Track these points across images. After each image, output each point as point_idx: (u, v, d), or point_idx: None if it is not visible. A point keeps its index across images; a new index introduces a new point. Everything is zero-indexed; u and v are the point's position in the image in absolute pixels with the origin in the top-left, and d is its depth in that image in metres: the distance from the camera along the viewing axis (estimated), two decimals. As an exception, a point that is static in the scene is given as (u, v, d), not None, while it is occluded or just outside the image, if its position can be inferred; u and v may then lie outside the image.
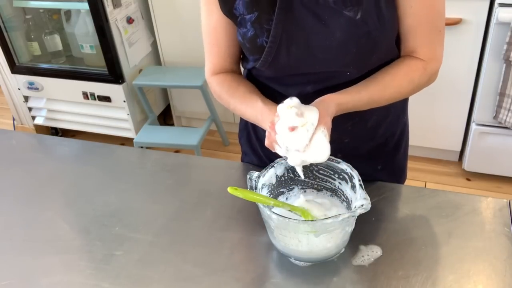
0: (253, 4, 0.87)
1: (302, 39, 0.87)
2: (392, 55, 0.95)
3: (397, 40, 0.94)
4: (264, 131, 1.03)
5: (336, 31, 0.85)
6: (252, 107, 0.94)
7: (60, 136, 3.01)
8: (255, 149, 1.15)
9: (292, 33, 0.86)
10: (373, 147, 1.06)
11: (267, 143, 0.85)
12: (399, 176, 1.16)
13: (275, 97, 0.95)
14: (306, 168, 0.95)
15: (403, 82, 0.92)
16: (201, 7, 0.96)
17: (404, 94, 0.94)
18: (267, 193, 0.94)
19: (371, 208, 0.79)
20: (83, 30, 2.52)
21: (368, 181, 1.02)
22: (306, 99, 0.96)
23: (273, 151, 0.85)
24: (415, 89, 0.95)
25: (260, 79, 1.00)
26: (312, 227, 0.81)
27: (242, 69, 1.04)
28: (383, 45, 0.89)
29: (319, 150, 0.80)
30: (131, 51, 2.55)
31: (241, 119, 1.17)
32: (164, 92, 2.90)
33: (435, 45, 0.93)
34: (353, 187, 0.89)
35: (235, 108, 0.99)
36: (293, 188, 0.98)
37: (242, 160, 1.22)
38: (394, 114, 1.05)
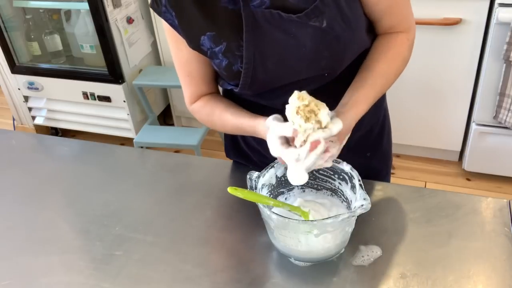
0: (219, 36, 0.87)
1: (275, 54, 0.87)
2: (365, 45, 0.95)
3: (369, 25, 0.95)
4: (254, 139, 1.03)
5: (306, 41, 0.85)
6: (231, 126, 0.96)
7: (60, 136, 3.01)
8: (249, 158, 1.15)
9: (264, 50, 0.86)
10: (360, 136, 1.07)
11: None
12: (387, 160, 1.18)
13: (262, 111, 0.95)
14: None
15: (398, 63, 0.94)
16: (168, 42, 0.97)
17: (400, 73, 0.96)
18: (267, 193, 0.94)
19: (371, 208, 0.79)
20: (83, 30, 2.52)
21: (367, 181, 1.02)
22: None
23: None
24: (406, 64, 0.96)
25: (243, 96, 1.01)
26: (312, 227, 0.81)
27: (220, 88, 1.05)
28: (353, 43, 0.90)
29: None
30: (131, 51, 2.55)
31: (225, 135, 1.17)
32: (164, 92, 2.90)
33: (409, 15, 0.95)
34: (353, 187, 0.89)
35: (223, 129, 1.02)
36: (293, 188, 0.98)
37: (226, 150, 1.22)
38: (377, 102, 1.06)
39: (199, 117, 1.04)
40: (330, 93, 0.93)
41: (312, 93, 0.90)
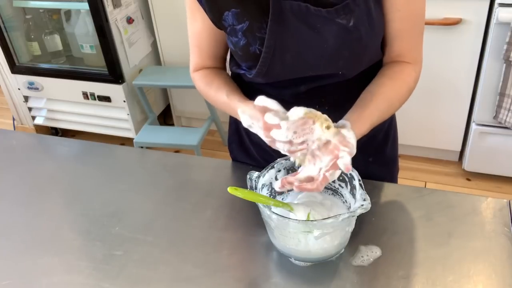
0: (243, 14, 0.87)
1: (295, 48, 0.87)
2: (380, 56, 0.96)
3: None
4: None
5: (329, 38, 0.85)
6: (223, 102, 0.95)
7: (60, 136, 3.01)
8: (250, 153, 1.15)
9: (285, 42, 0.86)
10: (363, 141, 1.06)
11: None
12: (391, 167, 1.17)
13: (268, 96, 0.95)
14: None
15: (404, 92, 0.94)
16: (187, 10, 0.97)
17: (403, 102, 0.96)
18: (267, 193, 0.94)
19: (371, 208, 0.79)
20: (83, 30, 2.52)
21: (367, 181, 1.02)
22: (299, 99, 0.96)
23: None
24: (410, 94, 0.97)
25: (251, 84, 1.00)
26: (312, 227, 0.81)
27: (228, 70, 1.05)
28: (373, 48, 0.91)
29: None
30: (131, 51, 2.55)
31: (230, 124, 1.17)
32: (164, 92, 2.90)
33: (419, 48, 0.95)
34: (352, 189, 0.89)
35: (215, 102, 1.01)
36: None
37: (230, 148, 1.22)
38: None
39: (197, 86, 1.05)
40: (340, 91, 0.93)
41: (321, 89, 0.90)
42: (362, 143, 1.05)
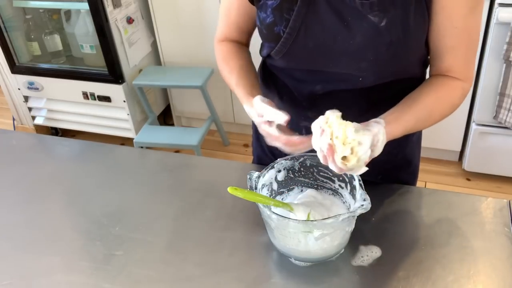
0: None
1: (320, 36, 0.86)
2: (414, 73, 0.93)
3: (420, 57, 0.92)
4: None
5: (357, 34, 0.83)
6: (237, 86, 0.96)
7: (60, 136, 3.01)
8: (259, 139, 1.16)
9: (311, 28, 0.85)
10: (375, 160, 1.04)
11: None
12: None
13: (286, 91, 0.95)
14: (306, 169, 0.95)
15: (446, 106, 0.91)
16: None
17: (445, 117, 0.93)
18: (267, 193, 0.94)
19: (371, 208, 0.79)
20: (83, 30, 2.52)
21: (367, 181, 1.02)
22: (315, 100, 0.95)
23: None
24: (454, 111, 0.93)
25: (273, 69, 1.01)
26: (312, 227, 0.81)
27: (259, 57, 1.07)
28: (403, 59, 0.88)
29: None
30: (131, 51, 2.55)
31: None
32: (164, 92, 2.90)
33: (471, 65, 0.92)
34: (352, 189, 0.89)
35: (226, 81, 1.02)
36: (293, 188, 0.98)
37: (252, 145, 1.24)
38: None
39: (217, 56, 1.06)
40: (355, 102, 0.91)
41: (339, 93, 0.89)
42: (376, 159, 1.03)
